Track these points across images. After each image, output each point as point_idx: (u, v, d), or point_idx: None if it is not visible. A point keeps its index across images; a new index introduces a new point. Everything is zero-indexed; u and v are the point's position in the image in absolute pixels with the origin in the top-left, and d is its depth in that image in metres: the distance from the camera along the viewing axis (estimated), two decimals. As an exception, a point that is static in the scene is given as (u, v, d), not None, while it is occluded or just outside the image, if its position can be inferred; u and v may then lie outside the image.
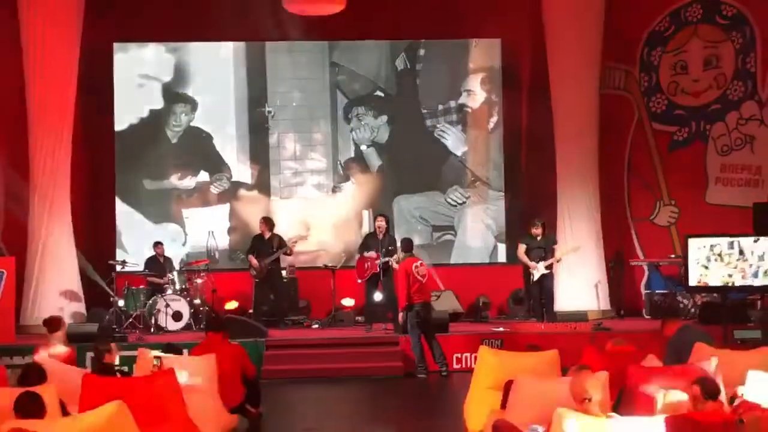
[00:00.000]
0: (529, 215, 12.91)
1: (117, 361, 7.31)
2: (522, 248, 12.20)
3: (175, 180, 14.16)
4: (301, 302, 13.33)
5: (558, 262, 12.10)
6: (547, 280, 12.04)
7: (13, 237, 12.66)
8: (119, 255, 13.37)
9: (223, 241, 14.11)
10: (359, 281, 11.93)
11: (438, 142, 14.25)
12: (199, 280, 12.70)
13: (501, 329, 11.50)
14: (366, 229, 13.20)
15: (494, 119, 14.40)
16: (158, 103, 14.20)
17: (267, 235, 12.43)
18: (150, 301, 12.15)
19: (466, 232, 14.28)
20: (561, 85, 13.06)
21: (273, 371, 10.32)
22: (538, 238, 12.10)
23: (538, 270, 11.93)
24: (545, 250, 12.05)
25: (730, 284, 10.74)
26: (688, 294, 12.50)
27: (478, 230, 14.30)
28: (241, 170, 14.24)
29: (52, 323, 8.34)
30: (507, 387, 6.24)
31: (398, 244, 11.29)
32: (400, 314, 10.47)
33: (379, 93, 14.35)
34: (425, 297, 10.63)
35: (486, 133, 14.43)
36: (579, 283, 12.70)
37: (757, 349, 7.13)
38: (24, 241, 12.31)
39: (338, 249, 13.75)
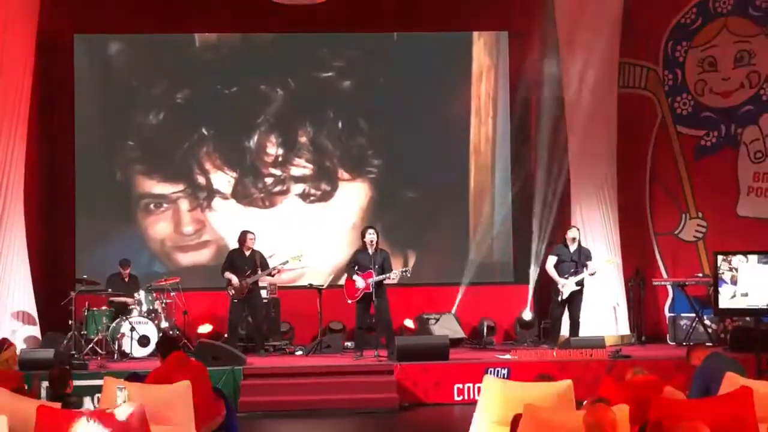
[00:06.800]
0: (540, 229, 12.91)
1: None
2: (552, 260, 12.17)
3: (142, 187, 14.16)
4: (283, 325, 13.31)
5: (592, 275, 12.06)
6: (577, 299, 12.01)
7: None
8: (78, 271, 13.33)
9: (196, 257, 14.11)
10: (349, 302, 11.92)
11: (437, 146, 14.25)
12: (168, 301, 12.68)
13: (508, 356, 11.50)
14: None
15: (499, 122, 14.43)
16: (124, 102, 14.19)
17: (248, 251, 12.40)
18: (113, 324, 12.11)
19: (469, 247, 14.31)
20: (574, 84, 13.11)
21: (251, 403, 10.31)
22: (572, 249, 12.07)
23: (567, 286, 11.91)
24: (577, 264, 12.03)
25: (764, 307, 10.75)
26: (717, 318, 12.52)
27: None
28: (218, 177, 14.24)
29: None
30: (515, 422, 6.23)
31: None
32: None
33: (372, 90, 14.36)
34: None
35: (489, 137, 14.45)
36: (595, 305, 12.71)
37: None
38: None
39: (325, 266, 13.75)
